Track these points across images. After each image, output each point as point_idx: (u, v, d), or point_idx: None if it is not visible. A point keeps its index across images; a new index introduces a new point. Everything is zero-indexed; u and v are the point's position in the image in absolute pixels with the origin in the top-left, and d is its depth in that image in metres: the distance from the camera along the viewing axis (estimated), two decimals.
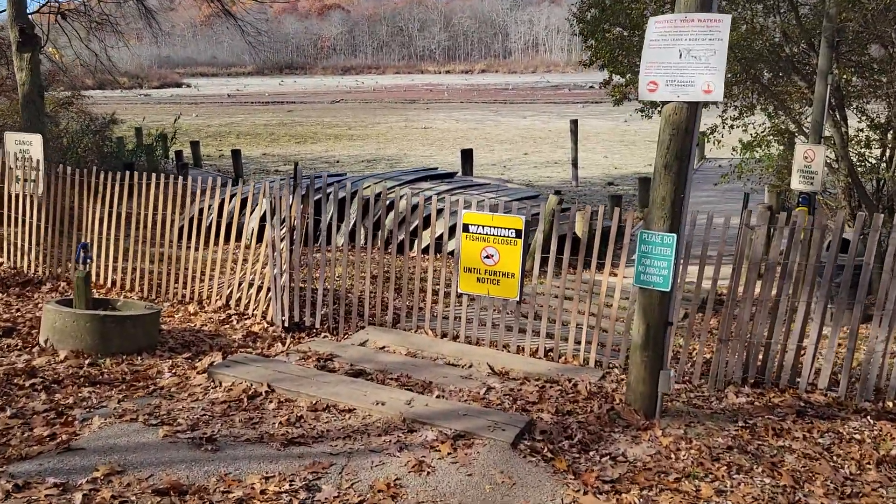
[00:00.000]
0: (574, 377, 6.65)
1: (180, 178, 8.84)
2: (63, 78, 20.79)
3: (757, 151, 15.10)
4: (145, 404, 5.54)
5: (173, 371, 6.44)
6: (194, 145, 26.70)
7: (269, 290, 8.06)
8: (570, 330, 7.23)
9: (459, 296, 7.62)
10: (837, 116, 12.19)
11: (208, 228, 8.95)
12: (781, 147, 14.66)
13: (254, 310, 8.27)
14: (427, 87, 74.61)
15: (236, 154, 23.79)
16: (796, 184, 11.72)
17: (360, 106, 57.24)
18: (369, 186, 14.79)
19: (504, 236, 7.22)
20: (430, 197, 14.19)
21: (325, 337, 7.78)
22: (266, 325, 7.97)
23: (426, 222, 13.35)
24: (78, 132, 20.13)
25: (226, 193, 9.03)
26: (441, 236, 12.84)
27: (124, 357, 6.69)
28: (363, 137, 37.13)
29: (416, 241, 7.80)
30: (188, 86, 79.93)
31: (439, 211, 12.82)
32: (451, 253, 11.11)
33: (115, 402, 5.57)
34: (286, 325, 7.94)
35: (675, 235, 5.31)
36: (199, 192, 8.60)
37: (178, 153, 24.07)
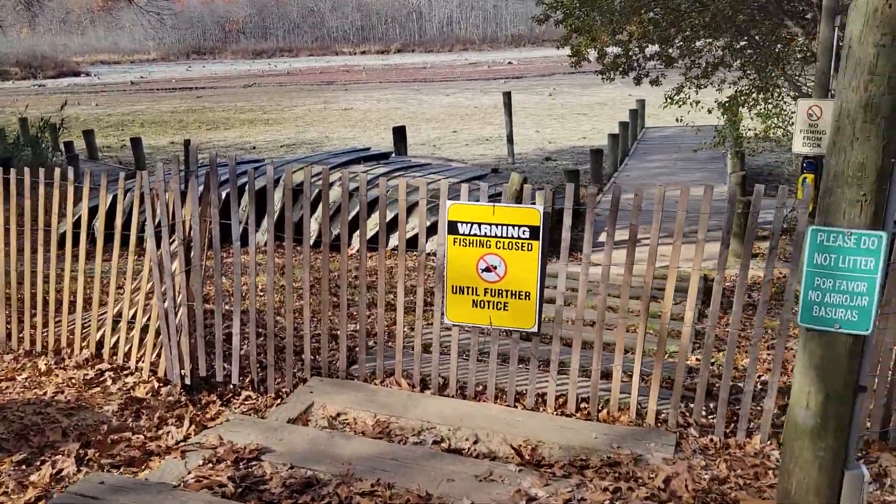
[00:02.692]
0: (639, 451, 4.19)
1: (57, 170, 5.88)
2: None
3: (727, 116, 12.92)
4: None
5: None
6: (87, 135, 23.08)
7: (158, 330, 5.29)
8: (591, 358, 4.74)
9: (449, 328, 5.06)
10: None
11: (91, 235, 6.12)
12: (756, 107, 12.44)
13: (138, 361, 5.48)
14: (344, 68, 70.98)
15: (136, 143, 20.42)
16: (799, 146, 9.56)
17: (274, 89, 53.39)
18: (296, 172, 12.00)
19: (512, 237, 4.66)
20: (381, 179, 11.49)
21: (247, 401, 5.08)
22: (157, 385, 5.21)
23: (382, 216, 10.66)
24: None
25: (118, 189, 6.10)
26: (415, 235, 10.21)
27: None
28: (280, 121, 33.91)
29: (379, 241, 5.18)
30: (87, 74, 73.88)
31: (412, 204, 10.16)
32: (432, 255, 8.45)
33: None
34: (187, 382, 5.20)
35: (883, 235, 2.85)
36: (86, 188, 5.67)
37: (69, 144, 20.51)
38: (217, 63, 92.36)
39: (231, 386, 5.24)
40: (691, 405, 4.72)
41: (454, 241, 4.76)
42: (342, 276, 5.08)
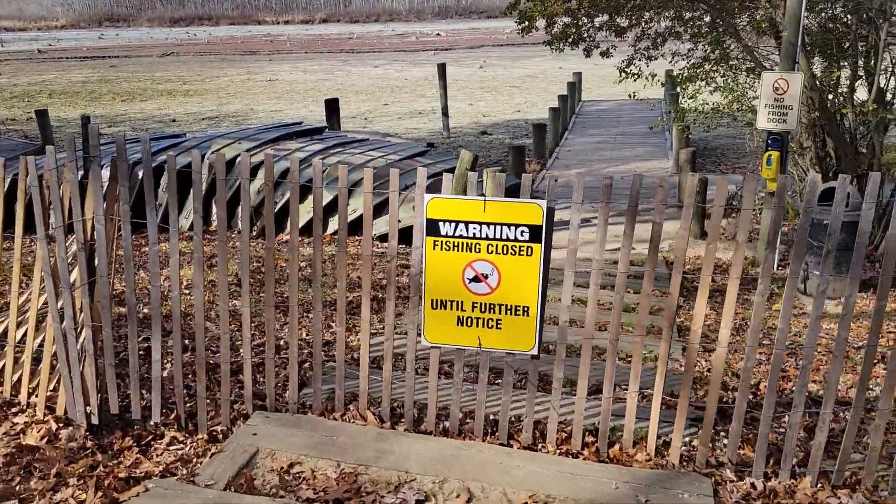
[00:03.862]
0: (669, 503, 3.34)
1: None
2: None
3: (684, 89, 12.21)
4: None
5: None
6: None
7: (55, 359, 4.12)
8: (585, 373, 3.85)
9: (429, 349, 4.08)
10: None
11: None
12: (713, 81, 11.73)
13: (30, 395, 4.30)
14: (267, 38, 68.05)
15: (42, 115, 18.47)
16: (764, 122, 8.88)
17: (194, 59, 50.52)
18: (220, 149, 10.71)
19: (508, 239, 3.69)
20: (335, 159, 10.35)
21: (173, 446, 3.98)
22: (55, 427, 4.06)
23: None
24: None
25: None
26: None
27: None
28: (201, 93, 31.87)
29: (339, 238, 4.13)
30: None
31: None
32: (379, 239, 7.25)
33: None
34: (94, 421, 4.08)
35: None
36: None
37: None
38: (131, 31, 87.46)
39: (150, 427, 4.13)
40: (716, 438, 3.89)
41: (434, 245, 3.76)
42: (292, 273, 4.02)
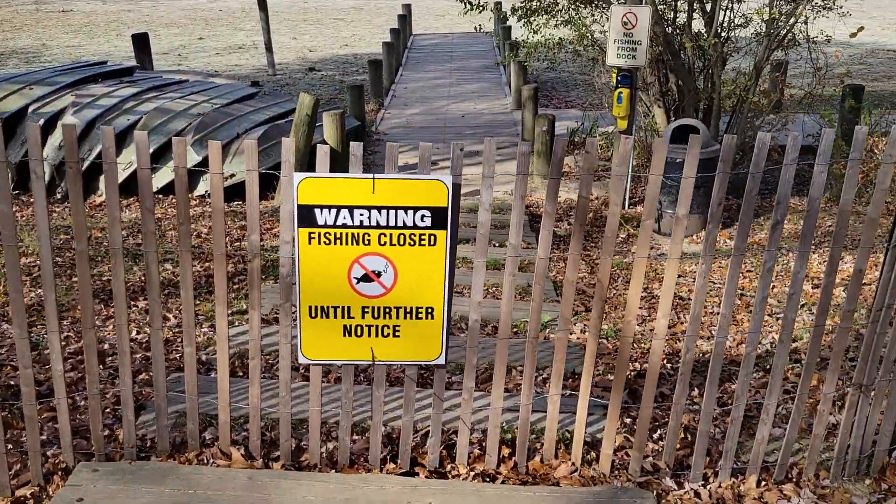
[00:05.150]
0: None
1: None
2: None
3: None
4: None
5: None
6: None
7: None
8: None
9: (304, 368, 3.22)
10: None
11: None
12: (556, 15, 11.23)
13: None
14: None
15: None
16: (613, 59, 8.58)
17: None
18: (5, 97, 8.87)
19: (405, 227, 2.88)
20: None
21: None
22: None
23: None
24: None
25: None
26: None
27: None
28: None
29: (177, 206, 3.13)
30: None
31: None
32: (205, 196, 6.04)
33: None
34: None
35: None
36: None
37: None
38: None
39: None
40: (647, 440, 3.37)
41: (311, 238, 2.87)
42: (112, 244, 2.98)
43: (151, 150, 8.02)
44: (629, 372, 4.40)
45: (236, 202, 8.05)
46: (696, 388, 4.13)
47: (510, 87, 14.34)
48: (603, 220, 8.26)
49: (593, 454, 3.36)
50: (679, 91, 9.62)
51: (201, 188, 8.40)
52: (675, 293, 6.10)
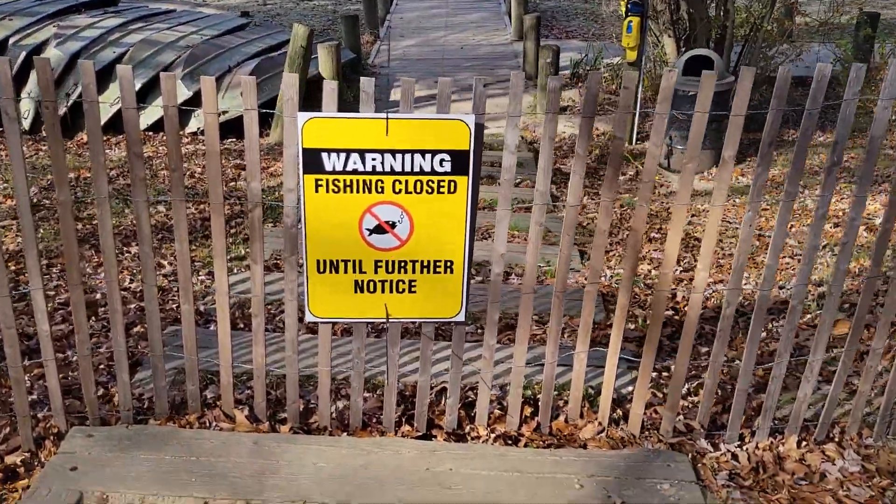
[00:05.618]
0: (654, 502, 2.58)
1: None
2: None
3: None
4: None
5: None
6: None
7: None
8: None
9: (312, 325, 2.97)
10: None
11: None
12: None
13: None
14: None
15: None
16: None
17: None
18: None
19: (422, 172, 2.58)
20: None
21: None
22: None
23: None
24: None
25: None
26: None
27: None
28: None
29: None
30: None
31: None
32: (198, 134, 5.69)
33: None
34: None
35: None
36: None
37: None
38: None
39: None
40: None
41: (318, 185, 2.56)
42: (98, 193, 2.69)
43: (139, 85, 7.60)
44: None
45: (230, 139, 7.68)
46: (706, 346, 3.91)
47: (510, 17, 13.76)
48: (608, 156, 7.92)
49: (619, 412, 3.14)
50: (690, 20, 9.15)
51: (193, 125, 8.01)
52: (688, 234, 5.85)
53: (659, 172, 7.65)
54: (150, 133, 7.94)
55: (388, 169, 2.55)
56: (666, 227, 5.84)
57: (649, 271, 4.89)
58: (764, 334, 3.91)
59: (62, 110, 7.77)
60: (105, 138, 7.72)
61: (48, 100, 2.48)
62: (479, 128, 2.56)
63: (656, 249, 5.39)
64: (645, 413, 3.08)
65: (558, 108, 2.58)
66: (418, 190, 2.58)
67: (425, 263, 2.70)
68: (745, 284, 4.70)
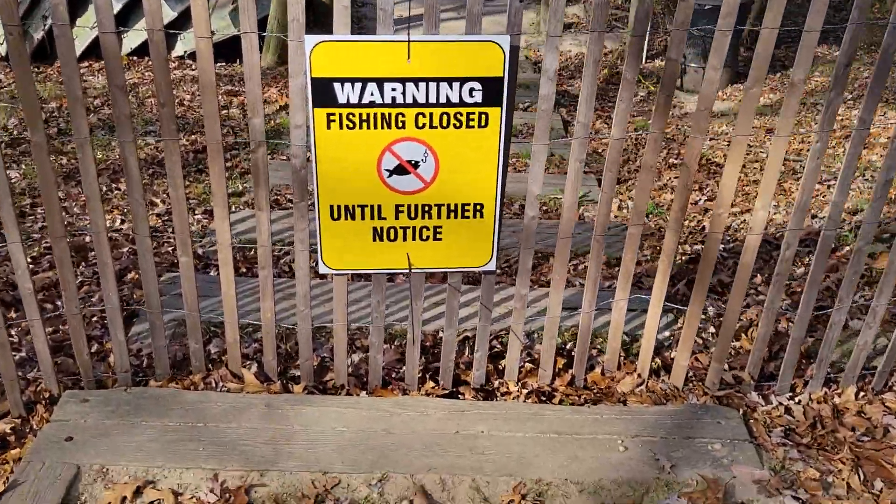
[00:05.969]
0: (707, 469, 2.35)
1: None
2: None
3: None
4: None
5: None
6: None
7: None
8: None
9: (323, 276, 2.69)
10: None
11: None
12: None
13: None
14: None
15: None
16: None
17: None
18: None
19: (449, 104, 2.24)
20: None
21: None
22: None
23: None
24: None
25: None
26: None
27: None
28: None
29: None
30: None
31: None
32: (187, 58, 5.31)
33: None
34: None
35: None
36: None
37: None
38: None
39: None
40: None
41: (330, 120, 2.22)
42: (77, 134, 2.36)
43: (119, 7, 7.08)
44: (679, 259, 3.90)
45: (219, 63, 7.21)
46: (720, 291, 3.64)
47: None
48: (618, 77, 7.50)
49: (657, 362, 2.90)
50: None
51: (179, 48, 7.52)
52: (708, 159, 5.52)
53: (675, 95, 7.27)
54: (135, 58, 7.45)
55: (409, 100, 2.20)
56: (682, 152, 5.50)
57: (670, 202, 4.59)
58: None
59: (39, 34, 7.26)
60: (87, 64, 7.23)
61: (11, 23, 2.11)
62: (514, 51, 2.21)
63: (676, 177, 5.08)
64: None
65: (602, 27, 2.22)
66: (444, 124, 2.25)
67: (452, 207, 2.39)
68: (774, 216, 4.41)
